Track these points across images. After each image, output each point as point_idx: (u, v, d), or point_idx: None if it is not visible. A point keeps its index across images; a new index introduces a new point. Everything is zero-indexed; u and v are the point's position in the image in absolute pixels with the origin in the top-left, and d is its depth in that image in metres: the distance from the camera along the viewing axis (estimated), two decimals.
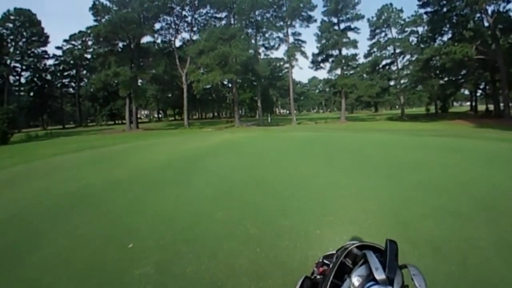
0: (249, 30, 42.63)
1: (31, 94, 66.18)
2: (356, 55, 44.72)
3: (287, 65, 70.88)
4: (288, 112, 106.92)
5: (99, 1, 39.86)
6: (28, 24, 59.92)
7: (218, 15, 43.72)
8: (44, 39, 61.90)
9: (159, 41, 47.43)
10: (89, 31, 39.24)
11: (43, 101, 66.87)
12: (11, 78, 62.56)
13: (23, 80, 65.27)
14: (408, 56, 49.16)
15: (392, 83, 52.71)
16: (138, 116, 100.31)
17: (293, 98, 46.78)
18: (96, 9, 39.86)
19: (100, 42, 40.83)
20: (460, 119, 38.83)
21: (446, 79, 43.90)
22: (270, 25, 40.40)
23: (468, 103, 69.53)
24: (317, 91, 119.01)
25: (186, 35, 45.39)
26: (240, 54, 33.68)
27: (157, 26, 45.31)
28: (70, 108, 76.45)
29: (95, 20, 41.25)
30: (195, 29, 45.57)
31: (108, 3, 39.44)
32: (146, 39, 45.85)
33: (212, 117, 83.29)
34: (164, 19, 44.97)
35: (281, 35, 43.95)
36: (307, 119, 53.12)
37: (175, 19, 45.17)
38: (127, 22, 37.74)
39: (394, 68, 50.30)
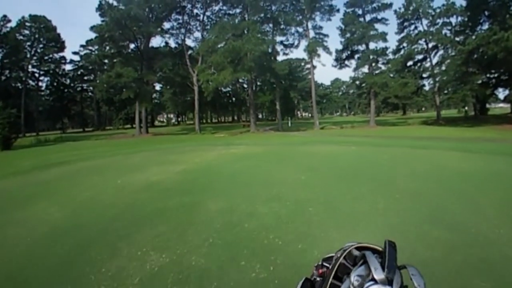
0: (265, 26, 37.50)
1: (51, 98, 65.17)
2: (386, 48, 38.41)
3: (308, 65, 65.68)
4: (310, 115, 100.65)
5: (105, 1, 36.30)
6: (44, 30, 58.50)
7: (232, 12, 38.94)
8: (60, 45, 60.33)
9: (171, 41, 43.47)
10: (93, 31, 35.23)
11: (63, 105, 65.61)
12: (31, 83, 61.91)
13: (42, 85, 64.74)
14: (441, 52, 42.36)
15: (425, 81, 45.90)
16: (161, 119, 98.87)
17: (315, 100, 41.17)
18: (102, 9, 36.25)
19: (106, 42, 37.28)
20: (508, 124, 31.84)
21: (491, 74, 36.65)
22: (288, 19, 35.09)
23: (501, 105, 61.83)
24: (340, 93, 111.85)
25: (198, 35, 40.18)
26: (253, 49, 28.56)
27: (168, 25, 41.47)
28: (93, 112, 75.47)
29: (102, 21, 37.91)
30: (208, 27, 41.11)
31: (114, 2, 35.85)
32: (157, 40, 41.91)
33: (232, 121, 78.86)
34: (176, 19, 41.04)
35: (300, 29, 38.56)
36: (331, 123, 47.17)
37: (187, 18, 41.00)
38: (132, 20, 33.86)
39: (427, 64, 43.50)
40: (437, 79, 42.29)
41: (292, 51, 78.28)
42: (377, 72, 39.01)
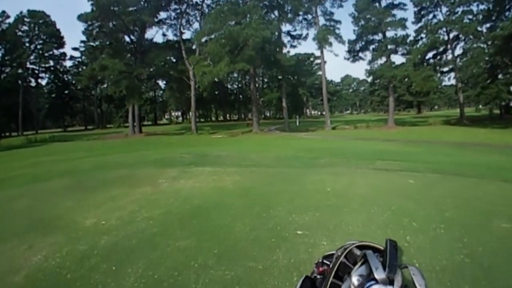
0: (270, 15, 32.29)
1: (53, 96, 61.61)
2: (407, 36, 32.75)
3: (318, 61, 60.18)
4: (319, 113, 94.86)
5: None
6: (43, 26, 54.72)
7: None
8: (60, 41, 56.42)
9: (169, 33, 38.77)
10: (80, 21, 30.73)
11: (64, 102, 61.98)
12: (32, 80, 58.46)
13: (43, 82, 61.23)
14: (461, 44, 36.52)
15: (445, 76, 39.94)
16: (168, 118, 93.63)
17: (326, 97, 35.85)
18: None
19: (94, 32, 32.78)
20: None
21: None
22: (295, 4, 29.70)
23: None
24: (350, 90, 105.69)
25: (198, 26, 35.27)
26: (253, 34, 23.48)
27: (164, 15, 36.72)
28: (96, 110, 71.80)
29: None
30: None
31: None
32: (156, 34, 37.19)
33: (237, 119, 73.86)
34: (174, 8, 36.22)
35: (309, 17, 33.15)
36: (343, 122, 41.69)
37: (185, 7, 36.14)
38: (122, 7, 29.29)
39: (448, 57, 37.63)
40: (458, 73, 36.38)
41: (300, 43, 72.41)
42: (397, 63, 33.59)
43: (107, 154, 15.56)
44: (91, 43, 35.95)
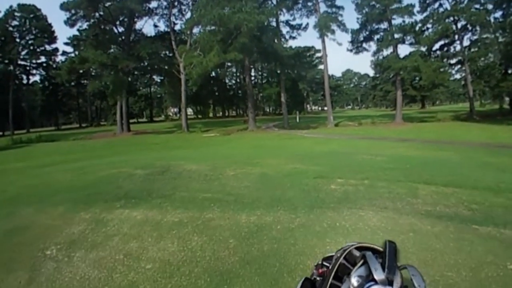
0: (268, 3, 29.05)
1: (45, 93, 58.53)
2: (416, 23, 29.44)
3: (318, 54, 56.90)
4: (320, 109, 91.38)
5: None
6: (34, 20, 51.43)
7: None
8: (51, 35, 53.01)
9: (161, 24, 35.60)
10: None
11: (57, 100, 58.92)
12: (23, 77, 55.45)
13: (36, 79, 58.14)
14: (468, 35, 33.24)
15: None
16: (171, 113, 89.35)
17: (329, 91, 32.66)
18: None
19: (77, 23, 29.67)
20: None
21: None
22: None
23: None
24: (351, 85, 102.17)
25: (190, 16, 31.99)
26: (247, 19, 20.25)
27: (155, 4, 33.51)
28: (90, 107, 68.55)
29: None
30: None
31: None
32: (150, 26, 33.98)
33: (236, 115, 70.60)
34: None
35: (309, 3, 29.74)
36: (345, 118, 38.41)
37: None
38: None
39: (456, 48, 34.33)
40: (468, 65, 33.01)
41: (300, 34, 69.03)
42: (402, 57, 30.30)
43: (70, 162, 12.83)
44: (77, 34, 32.66)
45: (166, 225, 3.64)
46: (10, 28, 50.78)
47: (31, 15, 52.06)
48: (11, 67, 51.15)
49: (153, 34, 35.33)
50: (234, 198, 4.31)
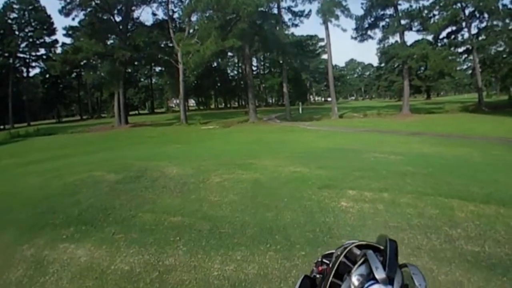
0: None
1: (46, 85, 57.48)
2: (424, 7, 27.72)
3: (322, 43, 54.99)
4: (323, 99, 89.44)
5: None
6: (33, 12, 50.18)
7: None
8: (50, 27, 51.73)
9: (159, 12, 34.14)
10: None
11: (58, 92, 57.87)
12: (23, 69, 54.36)
13: (36, 71, 57.07)
14: (475, 22, 31.31)
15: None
16: (174, 104, 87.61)
17: (333, 81, 31.20)
18: None
19: (73, 11, 28.28)
20: None
21: None
22: None
23: None
24: (355, 75, 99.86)
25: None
26: (245, 2, 18.89)
27: None
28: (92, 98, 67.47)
29: None
30: None
31: None
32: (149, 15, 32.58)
33: (238, 106, 69.14)
34: None
35: None
36: (350, 109, 36.92)
37: None
38: None
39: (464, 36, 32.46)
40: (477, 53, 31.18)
41: (302, 21, 66.97)
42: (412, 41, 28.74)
43: (54, 159, 11.85)
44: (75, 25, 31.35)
45: (112, 278, 2.55)
46: (9, 21, 49.80)
47: (30, 7, 50.94)
48: (11, 60, 50.26)
49: (151, 23, 33.89)
50: (210, 225, 3.20)
